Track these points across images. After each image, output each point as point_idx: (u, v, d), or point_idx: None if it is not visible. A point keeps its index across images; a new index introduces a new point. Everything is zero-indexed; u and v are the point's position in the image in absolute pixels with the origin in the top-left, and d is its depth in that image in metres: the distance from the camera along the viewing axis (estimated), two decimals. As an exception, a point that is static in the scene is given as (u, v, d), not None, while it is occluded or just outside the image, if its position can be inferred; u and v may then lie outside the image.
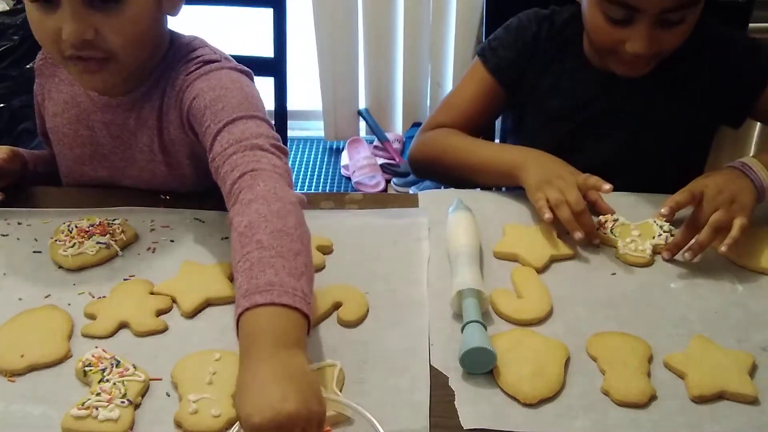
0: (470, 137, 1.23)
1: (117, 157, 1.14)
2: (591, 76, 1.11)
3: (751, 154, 1.70)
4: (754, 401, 0.79)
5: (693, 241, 0.99)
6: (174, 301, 0.94)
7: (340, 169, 2.81)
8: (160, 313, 0.92)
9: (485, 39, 1.31)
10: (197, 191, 1.15)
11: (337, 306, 0.93)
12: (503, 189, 1.24)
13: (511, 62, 1.23)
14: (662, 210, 1.02)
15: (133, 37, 0.99)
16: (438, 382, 0.82)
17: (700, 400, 0.80)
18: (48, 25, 0.96)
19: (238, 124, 0.94)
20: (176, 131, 1.08)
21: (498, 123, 1.48)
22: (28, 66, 1.97)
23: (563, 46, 1.23)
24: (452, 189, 1.17)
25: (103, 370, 0.81)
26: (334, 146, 2.93)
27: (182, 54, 1.07)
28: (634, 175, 1.17)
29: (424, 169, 1.28)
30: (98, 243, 1.01)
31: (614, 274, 0.99)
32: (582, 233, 1.00)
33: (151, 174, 1.14)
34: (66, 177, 1.21)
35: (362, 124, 2.89)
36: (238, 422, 0.72)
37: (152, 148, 1.11)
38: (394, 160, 2.75)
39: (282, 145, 0.94)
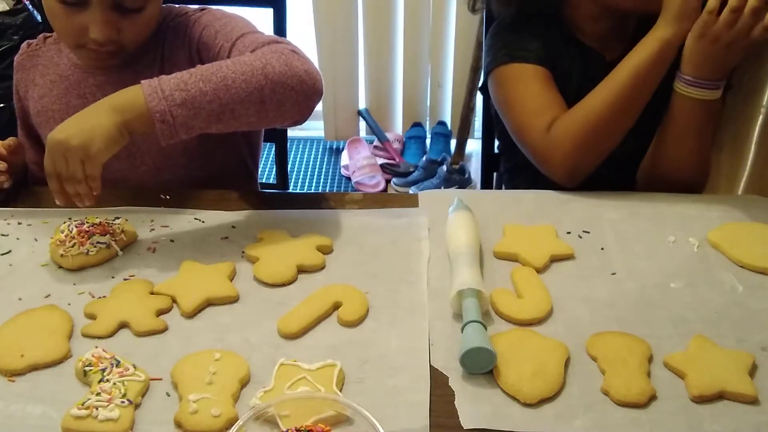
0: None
1: None
2: (597, 59, 1.13)
3: (751, 154, 1.70)
4: (754, 401, 0.79)
5: None
6: (174, 301, 0.94)
7: (340, 169, 2.81)
8: (160, 313, 0.92)
9: (487, 45, 1.30)
10: (196, 191, 1.15)
11: (337, 306, 0.93)
12: (502, 184, 1.23)
13: (540, 48, 1.21)
14: None
15: (147, 33, 1.15)
16: (438, 382, 0.82)
17: (700, 399, 0.79)
18: (74, 21, 1.07)
19: (248, 36, 1.09)
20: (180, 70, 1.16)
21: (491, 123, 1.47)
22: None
23: (566, 39, 1.25)
24: (452, 189, 1.17)
25: (103, 370, 0.81)
26: (334, 146, 2.93)
27: (174, 13, 1.21)
28: (636, 140, 1.18)
29: (584, 150, 1.14)
30: (98, 243, 1.01)
31: (614, 274, 0.99)
32: None
33: None
34: None
35: (362, 124, 2.89)
36: (238, 422, 0.72)
37: None
38: (394, 160, 2.75)
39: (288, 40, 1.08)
